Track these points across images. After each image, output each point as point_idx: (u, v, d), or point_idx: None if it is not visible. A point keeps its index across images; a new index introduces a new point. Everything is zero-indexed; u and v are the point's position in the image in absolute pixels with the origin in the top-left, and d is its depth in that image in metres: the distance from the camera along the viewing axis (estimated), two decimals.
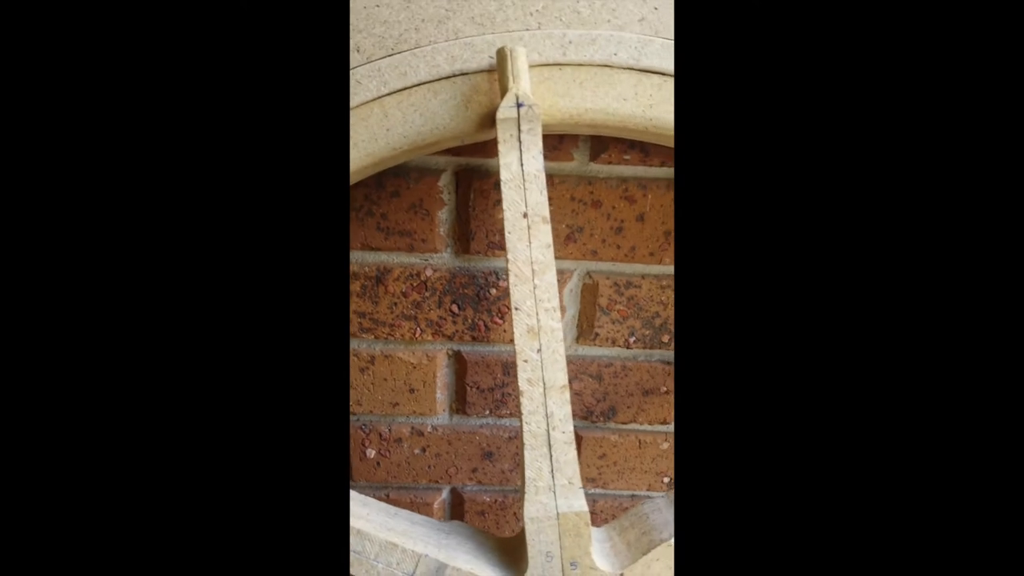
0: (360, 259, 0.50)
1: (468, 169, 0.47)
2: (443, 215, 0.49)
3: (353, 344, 0.54)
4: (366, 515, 0.38)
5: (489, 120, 0.36)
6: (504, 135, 0.34)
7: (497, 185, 0.47)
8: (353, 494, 0.43)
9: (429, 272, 0.51)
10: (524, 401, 0.35)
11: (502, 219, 0.49)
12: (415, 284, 0.51)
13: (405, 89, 0.35)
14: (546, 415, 0.35)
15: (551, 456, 0.35)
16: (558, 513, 0.36)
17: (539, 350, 0.34)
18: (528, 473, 0.35)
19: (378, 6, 0.35)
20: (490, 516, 0.61)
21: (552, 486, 0.35)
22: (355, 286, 0.51)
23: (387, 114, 0.36)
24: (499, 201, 0.49)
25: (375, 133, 0.36)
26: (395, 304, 0.52)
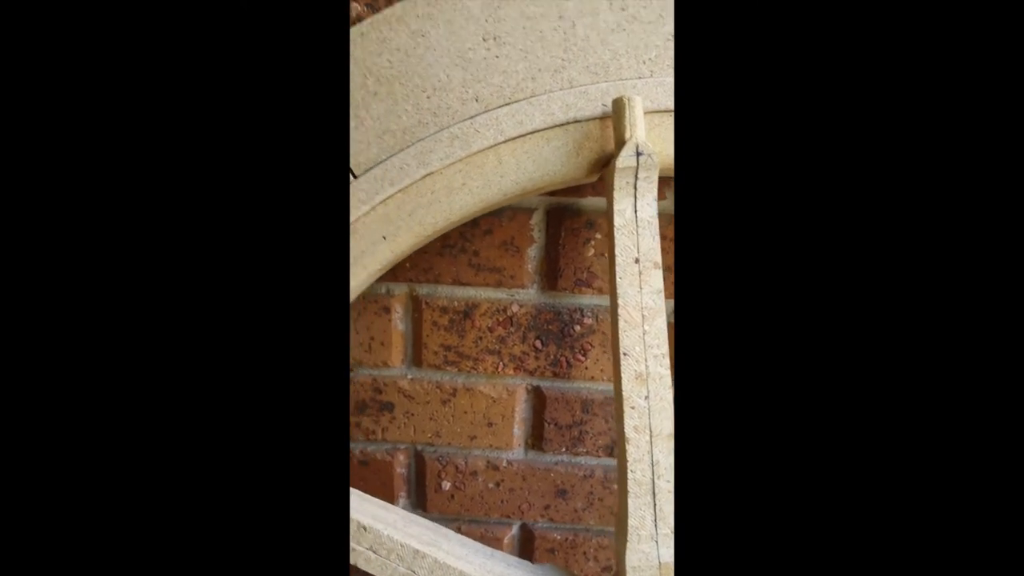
0: (449, 293, 0.51)
1: (559, 208, 0.48)
2: (532, 252, 0.49)
3: (436, 376, 0.55)
4: (466, 556, 0.38)
5: (599, 165, 0.37)
6: (620, 183, 0.34)
7: (589, 224, 0.47)
8: (451, 534, 0.44)
9: (515, 308, 0.51)
10: (630, 449, 0.35)
11: (591, 257, 0.50)
12: (501, 319, 0.52)
13: (520, 137, 0.36)
14: (651, 463, 0.34)
15: (655, 505, 0.34)
16: (660, 563, 0.35)
17: (647, 397, 0.34)
18: (631, 521, 0.35)
19: (497, 57, 0.36)
20: (560, 554, 0.60)
21: (655, 535, 0.35)
22: (443, 320, 0.52)
23: (501, 161, 0.37)
24: (589, 240, 0.50)
25: (489, 179, 0.37)
26: (480, 338, 0.53)
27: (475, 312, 0.52)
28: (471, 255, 0.50)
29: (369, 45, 0.36)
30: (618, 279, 0.34)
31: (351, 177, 0.37)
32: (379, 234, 0.37)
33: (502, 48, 0.36)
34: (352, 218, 0.37)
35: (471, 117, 0.36)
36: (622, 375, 0.34)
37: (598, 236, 0.48)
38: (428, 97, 0.36)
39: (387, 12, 0.36)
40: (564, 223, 0.48)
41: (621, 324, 0.34)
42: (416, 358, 0.55)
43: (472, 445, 0.58)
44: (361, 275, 0.38)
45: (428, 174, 0.36)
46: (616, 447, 0.35)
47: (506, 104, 0.36)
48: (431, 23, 0.36)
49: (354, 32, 0.37)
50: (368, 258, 0.38)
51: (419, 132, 0.36)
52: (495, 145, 0.36)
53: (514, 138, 0.36)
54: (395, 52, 0.36)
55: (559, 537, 0.59)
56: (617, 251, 0.34)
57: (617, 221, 0.34)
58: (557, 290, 0.51)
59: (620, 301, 0.35)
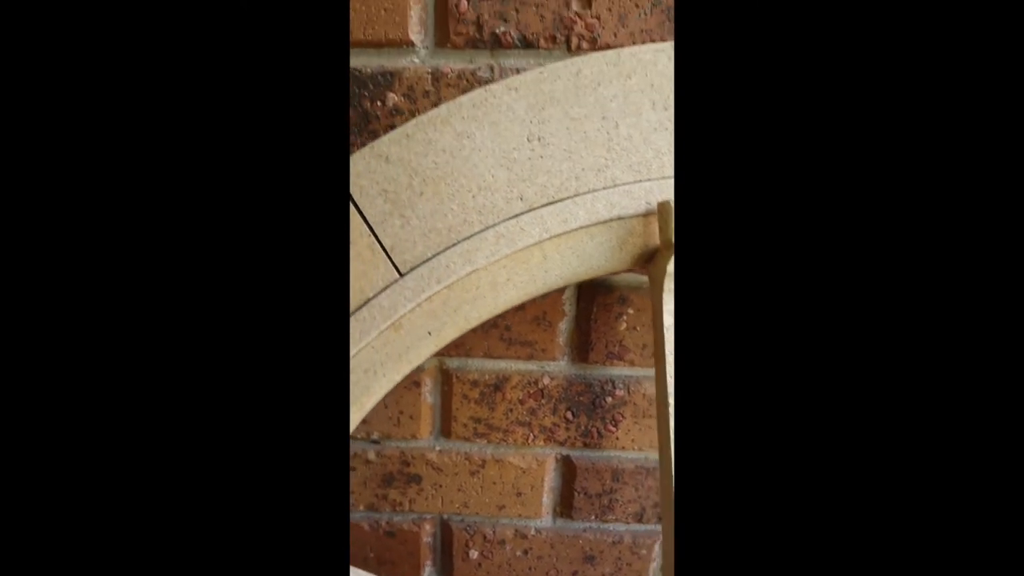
0: (480, 367, 0.51)
1: (591, 284, 0.49)
2: (563, 325, 0.50)
3: (465, 448, 0.54)
4: None
5: (643, 258, 0.38)
6: (668, 285, 0.35)
7: (621, 300, 0.48)
8: None
9: (547, 380, 0.51)
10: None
11: (623, 331, 0.50)
12: (532, 391, 0.52)
13: (565, 233, 0.36)
14: None
15: None
16: None
17: None
18: None
19: (542, 157, 0.37)
20: None
21: None
22: (474, 393, 0.52)
23: (546, 256, 0.37)
24: (621, 315, 0.50)
25: (534, 275, 0.37)
26: (511, 410, 0.53)
27: (506, 385, 0.52)
28: (503, 330, 0.50)
29: (415, 146, 0.37)
30: (668, 377, 0.35)
31: (397, 274, 0.37)
32: (424, 330, 0.38)
33: (546, 148, 0.37)
34: (398, 315, 0.37)
35: (516, 216, 0.37)
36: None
37: (630, 311, 0.48)
38: (473, 197, 0.37)
39: (432, 114, 0.37)
40: (596, 298, 0.49)
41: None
42: (445, 430, 0.54)
43: (500, 514, 0.57)
44: (405, 369, 0.38)
45: (473, 271, 0.36)
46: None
47: (551, 203, 0.36)
48: (476, 125, 0.37)
49: (399, 133, 0.37)
50: (413, 353, 0.38)
51: (464, 231, 0.37)
52: (540, 242, 0.36)
53: (559, 235, 0.36)
54: (441, 153, 0.37)
55: None
56: (667, 350, 0.35)
57: (667, 320, 0.35)
58: (588, 363, 0.51)
59: (672, 400, 0.35)
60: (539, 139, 0.37)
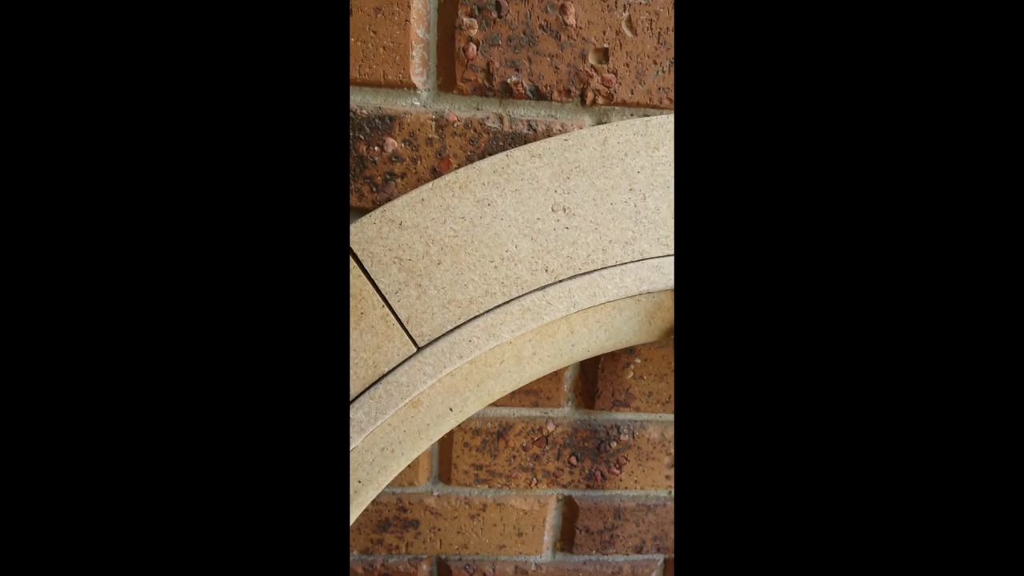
0: (482, 415, 0.50)
1: None
2: (569, 373, 0.49)
3: (465, 492, 0.53)
4: None
5: (672, 333, 0.37)
6: None
7: (630, 350, 0.47)
8: None
9: (551, 426, 0.51)
10: None
11: (630, 380, 0.50)
12: (536, 438, 0.51)
13: (593, 307, 0.35)
14: None
15: None
16: None
17: None
18: None
19: (567, 228, 0.35)
20: None
21: None
22: (475, 441, 0.51)
23: (573, 330, 0.36)
24: (629, 364, 0.50)
25: (560, 349, 0.36)
26: (514, 457, 0.52)
27: (509, 432, 0.51)
28: None
29: (431, 212, 0.35)
30: None
31: (414, 347, 0.35)
32: (445, 406, 0.36)
33: (572, 219, 0.35)
34: (416, 392, 0.35)
35: (542, 288, 0.35)
36: None
37: (638, 361, 0.48)
38: (496, 267, 0.35)
39: (449, 178, 0.35)
40: None
41: None
42: (444, 476, 0.53)
43: (501, 553, 0.57)
44: (424, 445, 0.36)
45: (497, 345, 0.35)
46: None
47: (577, 275, 0.35)
48: (498, 191, 0.35)
49: (413, 197, 0.35)
50: (433, 430, 0.36)
51: (487, 302, 0.35)
52: (567, 316, 0.35)
53: (587, 308, 0.35)
54: (460, 220, 0.35)
55: None
56: None
57: None
58: (595, 409, 0.50)
59: None
60: (564, 209, 0.35)
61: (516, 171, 0.35)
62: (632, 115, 0.40)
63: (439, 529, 0.55)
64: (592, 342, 0.36)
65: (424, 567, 0.57)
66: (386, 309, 0.35)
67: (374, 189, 0.41)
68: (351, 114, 0.39)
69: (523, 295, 0.35)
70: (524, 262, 0.35)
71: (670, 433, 0.52)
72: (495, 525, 0.55)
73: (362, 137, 0.40)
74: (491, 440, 0.51)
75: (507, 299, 0.35)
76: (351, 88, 0.38)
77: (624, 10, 0.38)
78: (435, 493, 0.53)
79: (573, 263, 0.35)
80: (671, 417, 0.51)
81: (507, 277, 0.35)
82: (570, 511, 0.55)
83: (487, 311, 0.35)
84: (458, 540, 0.56)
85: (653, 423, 0.51)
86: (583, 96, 0.40)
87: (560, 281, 0.35)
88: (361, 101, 0.39)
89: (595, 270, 0.35)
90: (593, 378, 0.49)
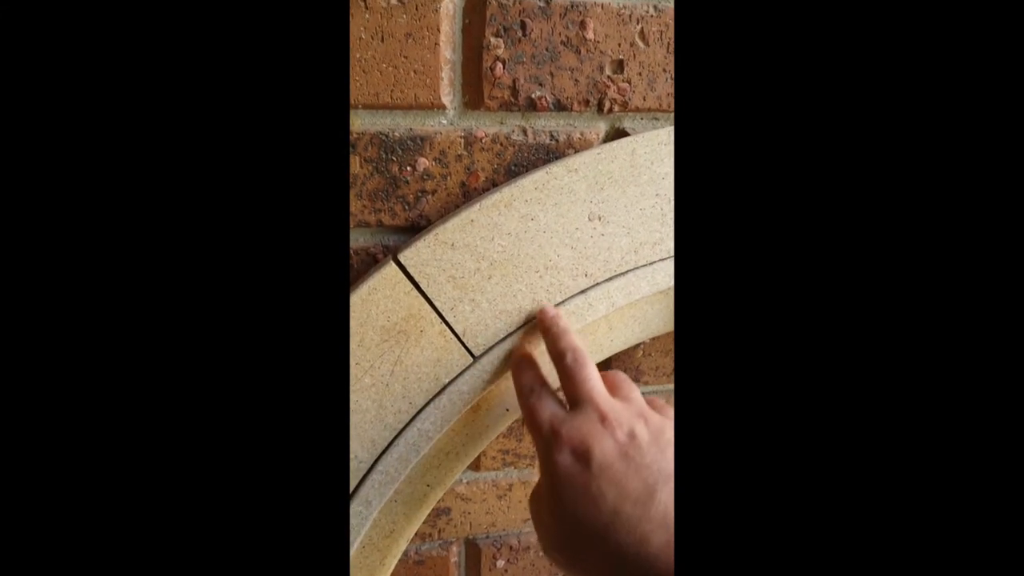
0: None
1: None
2: None
3: (492, 475, 0.56)
4: None
5: None
6: None
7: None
8: None
9: None
10: None
11: (640, 357, 0.54)
12: None
13: (629, 304, 0.39)
14: None
15: None
16: None
17: None
18: None
19: (603, 235, 0.38)
20: None
21: None
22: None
23: (612, 327, 0.39)
24: (639, 345, 0.54)
25: (601, 344, 0.39)
26: None
27: None
28: None
29: (480, 231, 0.36)
30: None
31: (471, 358, 0.38)
32: (502, 407, 0.39)
33: (607, 226, 0.38)
34: (477, 399, 0.38)
35: (583, 291, 0.38)
36: None
37: (646, 340, 0.52)
38: (540, 276, 0.38)
39: (495, 198, 0.36)
40: None
41: None
42: (473, 464, 0.56)
43: (525, 526, 0.61)
44: (482, 446, 0.39)
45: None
46: None
47: (614, 277, 0.38)
48: (540, 207, 0.37)
49: (463, 219, 0.36)
50: (492, 431, 0.39)
51: (534, 310, 0.38)
52: (607, 315, 0.38)
53: (624, 306, 0.38)
54: (507, 236, 0.37)
55: None
56: None
57: None
58: None
59: None
60: (599, 217, 0.38)
61: (555, 186, 0.37)
62: (643, 119, 0.43)
63: (469, 513, 0.59)
64: (629, 335, 0.40)
65: (454, 549, 0.61)
66: (443, 325, 0.37)
67: (406, 207, 0.42)
68: (383, 137, 0.40)
69: (566, 299, 0.38)
70: (566, 269, 0.38)
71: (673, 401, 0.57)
72: (520, 502, 0.59)
73: (394, 159, 0.41)
74: (517, 425, 0.54)
75: (553, 305, 0.38)
76: (383, 111, 0.39)
77: (637, 23, 0.40)
78: (464, 481, 0.56)
79: (609, 266, 0.39)
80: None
81: (551, 285, 0.38)
82: None
83: (535, 318, 0.38)
84: (486, 520, 0.59)
85: (660, 393, 0.56)
86: (600, 105, 0.42)
87: (599, 284, 0.38)
88: (392, 124, 0.40)
89: (629, 270, 0.39)
90: (607, 361, 0.53)
